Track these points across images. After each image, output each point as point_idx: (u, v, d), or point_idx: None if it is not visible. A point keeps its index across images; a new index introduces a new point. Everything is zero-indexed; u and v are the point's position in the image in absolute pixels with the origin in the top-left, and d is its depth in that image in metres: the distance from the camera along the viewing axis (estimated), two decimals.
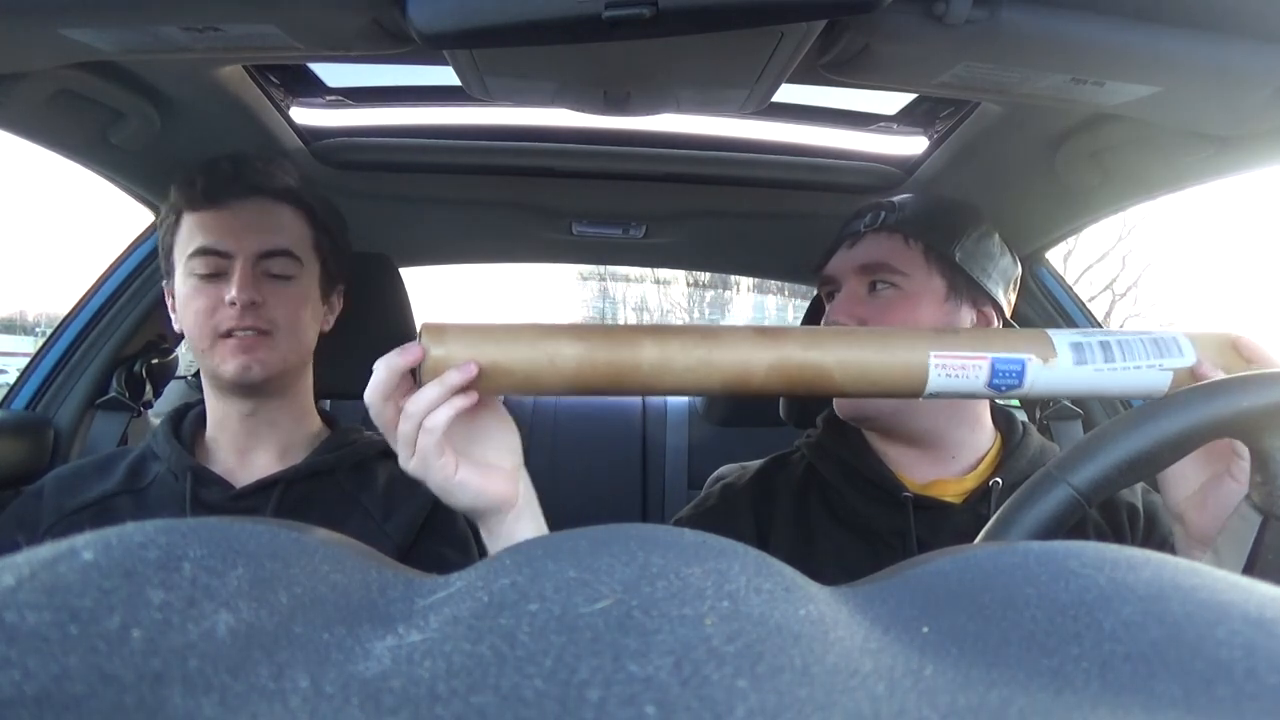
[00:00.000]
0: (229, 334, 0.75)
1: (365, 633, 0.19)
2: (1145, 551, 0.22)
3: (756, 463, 0.88)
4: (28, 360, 1.29)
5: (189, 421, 0.83)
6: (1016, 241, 1.22)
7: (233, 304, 0.73)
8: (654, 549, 0.22)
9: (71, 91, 0.80)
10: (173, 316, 0.81)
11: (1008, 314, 0.80)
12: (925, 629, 0.20)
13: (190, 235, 0.76)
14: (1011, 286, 0.81)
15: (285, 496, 0.78)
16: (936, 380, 0.53)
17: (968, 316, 0.77)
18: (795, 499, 0.80)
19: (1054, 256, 1.30)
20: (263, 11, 0.58)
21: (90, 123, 0.88)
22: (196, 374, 1.49)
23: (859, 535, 0.76)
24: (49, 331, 1.32)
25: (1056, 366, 0.53)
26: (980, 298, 0.77)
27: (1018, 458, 0.77)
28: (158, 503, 0.76)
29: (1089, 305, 1.31)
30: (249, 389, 0.78)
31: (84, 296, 1.26)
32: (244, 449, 0.80)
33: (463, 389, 0.50)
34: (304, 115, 1.07)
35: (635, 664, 0.16)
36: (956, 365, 0.53)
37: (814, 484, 0.81)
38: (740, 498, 0.83)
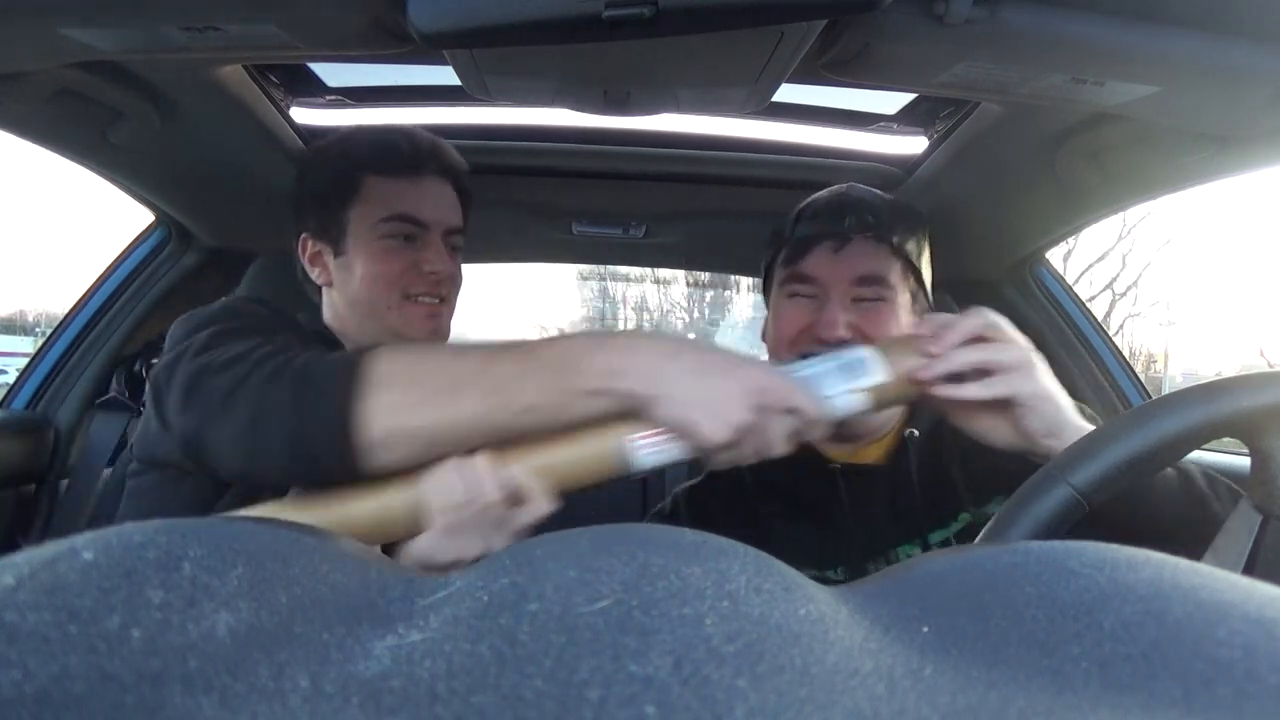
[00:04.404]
0: (414, 299, 0.78)
1: (365, 633, 0.19)
2: (1145, 551, 0.22)
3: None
4: (27, 360, 1.29)
5: None
6: (1016, 241, 1.23)
7: (432, 274, 0.78)
8: (654, 549, 0.22)
9: (71, 91, 0.80)
10: (313, 272, 0.81)
11: None
12: (925, 629, 0.20)
13: (384, 200, 0.77)
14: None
15: None
16: (642, 459, 0.53)
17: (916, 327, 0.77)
18: (737, 492, 0.83)
19: (1054, 256, 1.30)
20: (263, 11, 0.58)
21: (90, 123, 0.88)
22: None
23: (795, 509, 0.78)
24: (49, 331, 1.32)
25: None
26: (925, 307, 0.79)
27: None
28: None
29: (1089, 305, 1.31)
30: None
31: (84, 296, 1.26)
32: None
33: None
34: (304, 115, 1.07)
35: (635, 664, 0.16)
36: (652, 442, 0.52)
37: (754, 475, 0.83)
38: (681, 497, 0.87)
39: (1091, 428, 0.57)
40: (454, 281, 0.82)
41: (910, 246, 0.76)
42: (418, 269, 0.77)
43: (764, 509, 0.79)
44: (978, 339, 0.57)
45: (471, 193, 0.86)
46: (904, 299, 0.76)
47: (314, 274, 0.81)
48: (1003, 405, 0.56)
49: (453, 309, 0.83)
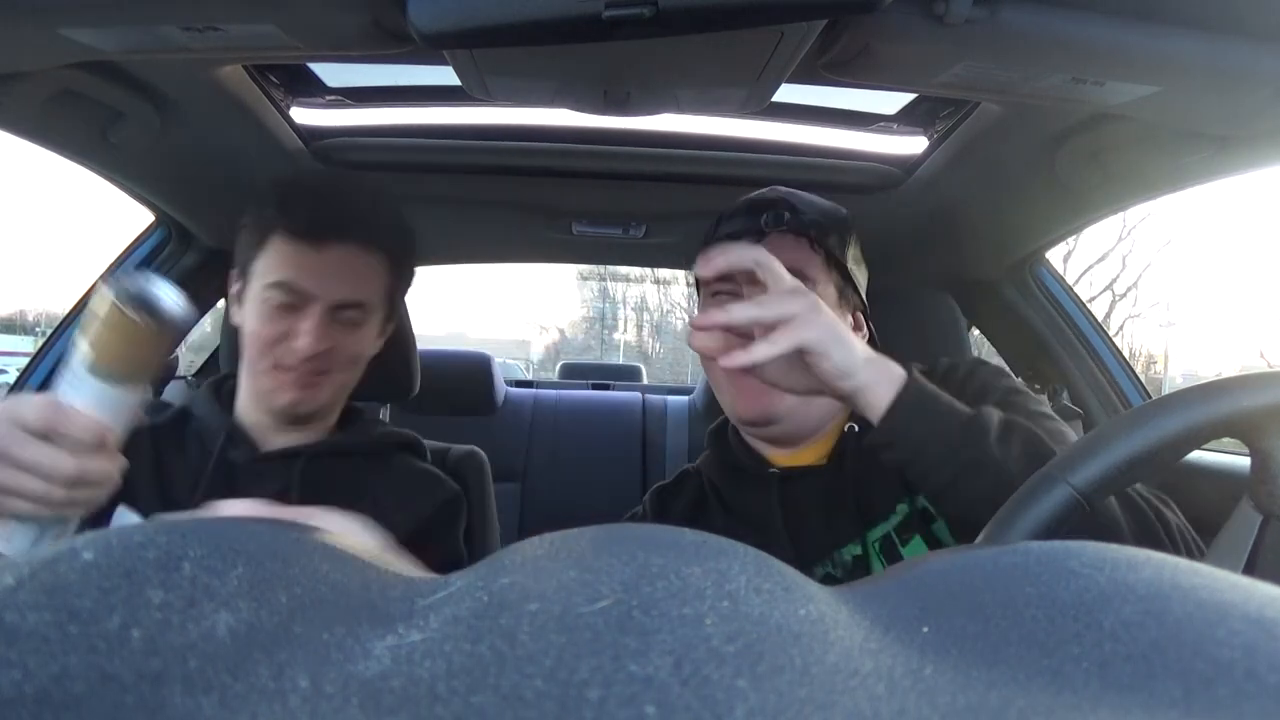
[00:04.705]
0: (286, 368, 0.75)
1: (365, 633, 0.19)
2: (1145, 551, 0.22)
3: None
4: (28, 360, 1.29)
5: (227, 390, 0.85)
6: (1016, 241, 1.23)
7: (298, 348, 0.74)
8: (654, 549, 0.22)
9: (71, 91, 0.80)
10: (232, 311, 0.80)
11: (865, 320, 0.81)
12: (925, 629, 0.20)
13: (277, 263, 0.74)
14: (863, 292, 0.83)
15: (307, 469, 0.78)
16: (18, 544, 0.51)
17: (847, 324, 0.76)
18: (698, 500, 0.83)
19: (1054, 257, 1.30)
20: (263, 11, 0.58)
21: (90, 123, 0.88)
22: (196, 374, 1.49)
23: (738, 520, 0.78)
24: (49, 331, 1.32)
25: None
26: (856, 303, 0.78)
27: None
28: (190, 445, 0.79)
29: (1089, 305, 1.31)
30: (295, 420, 0.79)
31: (84, 296, 1.26)
32: (274, 425, 0.81)
33: None
34: (304, 115, 1.07)
35: (635, 664, 0.16)
36: None
37: (709, 484, 0.83)
38: (650, 499, 0.86)
39: (881, 358, 0.57)
40: (332, 357, 0.76)
41: (832, 241, 0.76)
42: (288, 341, 0.74)
43: (714, 519, 0.79)
44: (751, 282, 0.55)
45: (399, 255, 0.82)
46: (828, 292, 0.75)
47: (231, 312, 0.80)
48: (793, 353, 0.54)
49: (341, 382, 0.79)
